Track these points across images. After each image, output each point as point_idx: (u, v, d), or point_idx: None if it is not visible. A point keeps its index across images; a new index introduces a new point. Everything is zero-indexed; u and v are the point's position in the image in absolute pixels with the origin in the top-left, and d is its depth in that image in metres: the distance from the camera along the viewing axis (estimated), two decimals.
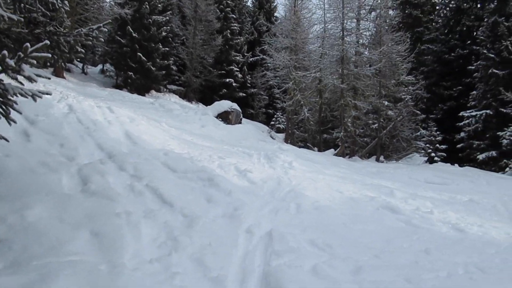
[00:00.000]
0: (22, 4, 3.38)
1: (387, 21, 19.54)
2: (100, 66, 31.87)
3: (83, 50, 3.19)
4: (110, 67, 28.52)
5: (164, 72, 26.76)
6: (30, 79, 2.29)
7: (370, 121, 21.01)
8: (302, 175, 8.05)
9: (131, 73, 24.49)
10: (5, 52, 2.06)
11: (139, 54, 24.39)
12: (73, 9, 21.17)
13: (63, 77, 21.50)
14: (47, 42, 2.09)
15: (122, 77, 26.03)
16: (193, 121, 15.27)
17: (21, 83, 2.57)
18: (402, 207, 6.18)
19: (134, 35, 24.56)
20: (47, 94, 2.66)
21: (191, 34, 30.23)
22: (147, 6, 25.14)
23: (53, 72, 21.55)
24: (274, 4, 40.50)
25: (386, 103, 19.38)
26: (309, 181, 7.49)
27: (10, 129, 5.52)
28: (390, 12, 21.16)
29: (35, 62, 2.28)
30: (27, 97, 2.54)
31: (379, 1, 19.48)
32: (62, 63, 3.40)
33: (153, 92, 26.27)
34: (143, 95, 24.32)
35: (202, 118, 15.90)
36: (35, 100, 2.59)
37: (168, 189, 4.75)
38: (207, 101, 26.44)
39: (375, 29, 19.99)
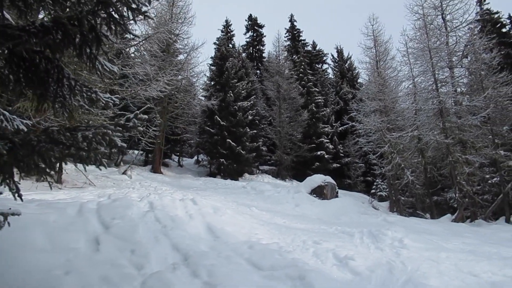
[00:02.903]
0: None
1: (485, 63, 17.48)
2: (196, 157, 33.35)
3: (102, 149, 2.57)
4: (204, 156, 29.63)
5: (254, 154, 26.97)
6: None
7: (488, 175, 18.20)
8: (419, 255, 6.51)
9: (223, 159, 25.00)
10: None
11: (228, 140, 25.00)
12: (165, 108, 22.72)
13: (160, 172, 22.50)
14: None
15: (215, 164, 26.72)
16: (286, 201, 14.39)
17: None
18: None
19: (222, 123, 25.46)
20: (13, 214, 2.00)
21: (277, 114, 30.67)
22: (232, 94, 26.22)
23: (151, 169, 22.75)
24: (356, 71, 40.16)
25: (502, 152, 16.66)
26: (429, 263, 5.96)
27: (81, 238, 5.18)
28: (484, 55, 19.00)
29: None
30: None
31: (468, 46, 17.74)
32: (104, 162, 2.87)
33: (246, 175, 26.31)
34: (236, 179, 24.38)
35: (295, 196, 14.96)
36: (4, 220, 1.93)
37: None
38: (301, 177, 25.56)
39: (472, 75, 18.01)
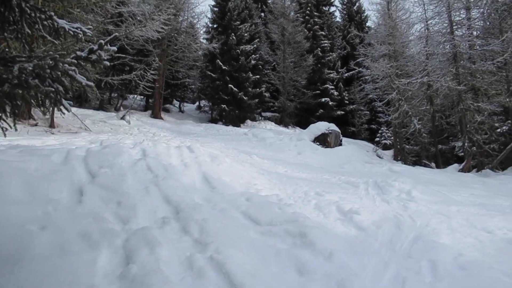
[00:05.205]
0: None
1: (505, 4, 16.20)
2: (197, 103, 32.73)
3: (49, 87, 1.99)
4: (205, 102, 28.99)
5: (257, 100, 26.26)
6: None
7: (497, 124, 17.53)
8: (427, 208, 6.12)
9: (224, 105, 24.40)
10: None
11: (230, 85, 24.24)
12: (164, 51, 21.79)
13: (161, 118, 22.03)
14: None
15: (216, 110, 26.19)
16: (288, 148, 13.98)
17: None
18: None
19: (224, 67, 24.57)
20: None
21: (281, 58, 29.54)
22: (234, 37, 25.08)
23: (151, 114, 22.25)
24: (365, 15, 38.40)
25: None
26: (439, 217, 5.57)
27: (64, 188, 4.75)
28: None
29: None
30: None
31: None
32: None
33: (248, 121, 25.81)
34: (239, 126, 23.92)
35: (298, 144, 14.52)
36: None
37: (241, 261, 3.39)
38: (304, 124, 25.04)
39: (492, 14, 16.76)
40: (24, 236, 3.44)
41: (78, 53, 2.32)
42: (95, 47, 2.36)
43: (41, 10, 2.50)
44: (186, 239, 3.83)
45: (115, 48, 2.47)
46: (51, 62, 1.90)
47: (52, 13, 2.47)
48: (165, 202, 4.91)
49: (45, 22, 2.67)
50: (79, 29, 2.92)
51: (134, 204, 4.54)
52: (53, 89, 1.94)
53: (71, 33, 2.88)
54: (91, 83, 2.58)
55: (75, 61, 2.11)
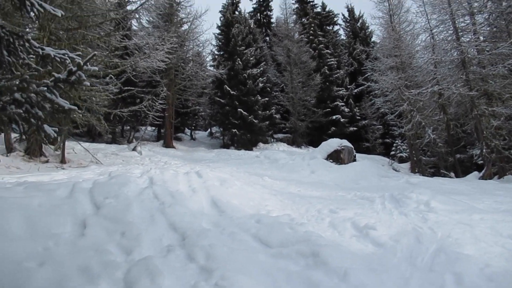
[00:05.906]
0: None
1: (510, 6, 15.96)
2: (209, 129, 32.87)
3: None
4: (217, 128, 29.07)
5: (267, 122, 26.18)
6: None
7: None
8: (448, 218, 5.79)
9: (235, 130, 24.36)
10: None
11: (239, 110, 24.27)
12: (172, 81, 22.01)
13: (173, 147, 22.07)
14: None
15: (227, 136, 26.17)
16: (301, 168, 13.73)
17: None
18: None
19: (232, 92, 24.69)
20: None
21: (289, 79, 29.63)
22: (240, 62, 25.27)
23: (163, 144, 22.31)
24: (369, 30, 38.46)
25: None
26: (461, 227, 5.25)
27: (68, 222, 4.62)
28: None
29: None
30: None
31: None
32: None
33: (260, 144, 25.67)
34: (251, 149, 23.79)
35: (311, 163, 14.27)
36: None
37: (248, 286, 3.17)
38: (317, 143, 24.71)
39: (497, 20, 16.53)
40: (22, 273, 3.30)
41: (57, 75, 2.21)
42: (74, 68, 2.25)
43: (19, 35, 2.42)
44: (191, 266, 3.64)
45: (96, 68, 2.36)
46: (20, 83, 1.79)
47: (30, 37, 2.39)
48: (171, 229, 4.73)
49: (30, 50, 2.58)
50: (66, 55, 2.83)
51: (138, 233, 4.37)
52: (21, 111, 1.82)
53: (58, 59, 2.79)
54: (74, 107, 2.47)
55: (51, 83, 1.99)
